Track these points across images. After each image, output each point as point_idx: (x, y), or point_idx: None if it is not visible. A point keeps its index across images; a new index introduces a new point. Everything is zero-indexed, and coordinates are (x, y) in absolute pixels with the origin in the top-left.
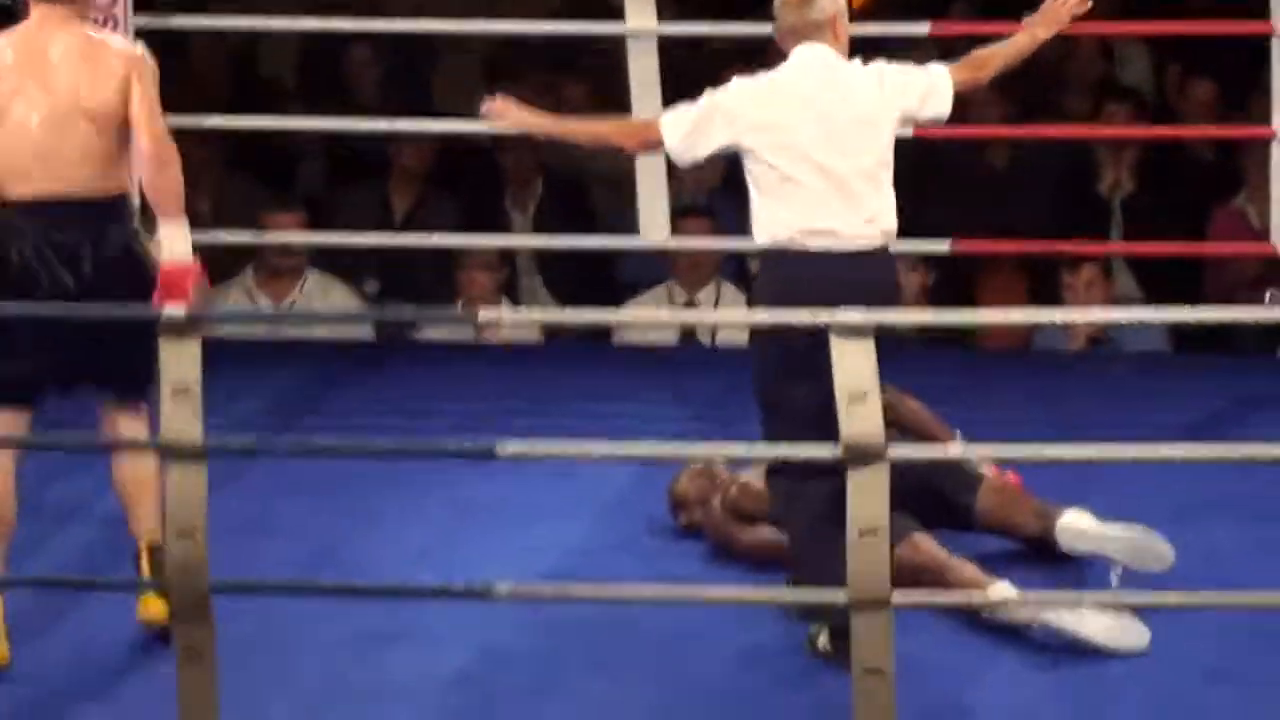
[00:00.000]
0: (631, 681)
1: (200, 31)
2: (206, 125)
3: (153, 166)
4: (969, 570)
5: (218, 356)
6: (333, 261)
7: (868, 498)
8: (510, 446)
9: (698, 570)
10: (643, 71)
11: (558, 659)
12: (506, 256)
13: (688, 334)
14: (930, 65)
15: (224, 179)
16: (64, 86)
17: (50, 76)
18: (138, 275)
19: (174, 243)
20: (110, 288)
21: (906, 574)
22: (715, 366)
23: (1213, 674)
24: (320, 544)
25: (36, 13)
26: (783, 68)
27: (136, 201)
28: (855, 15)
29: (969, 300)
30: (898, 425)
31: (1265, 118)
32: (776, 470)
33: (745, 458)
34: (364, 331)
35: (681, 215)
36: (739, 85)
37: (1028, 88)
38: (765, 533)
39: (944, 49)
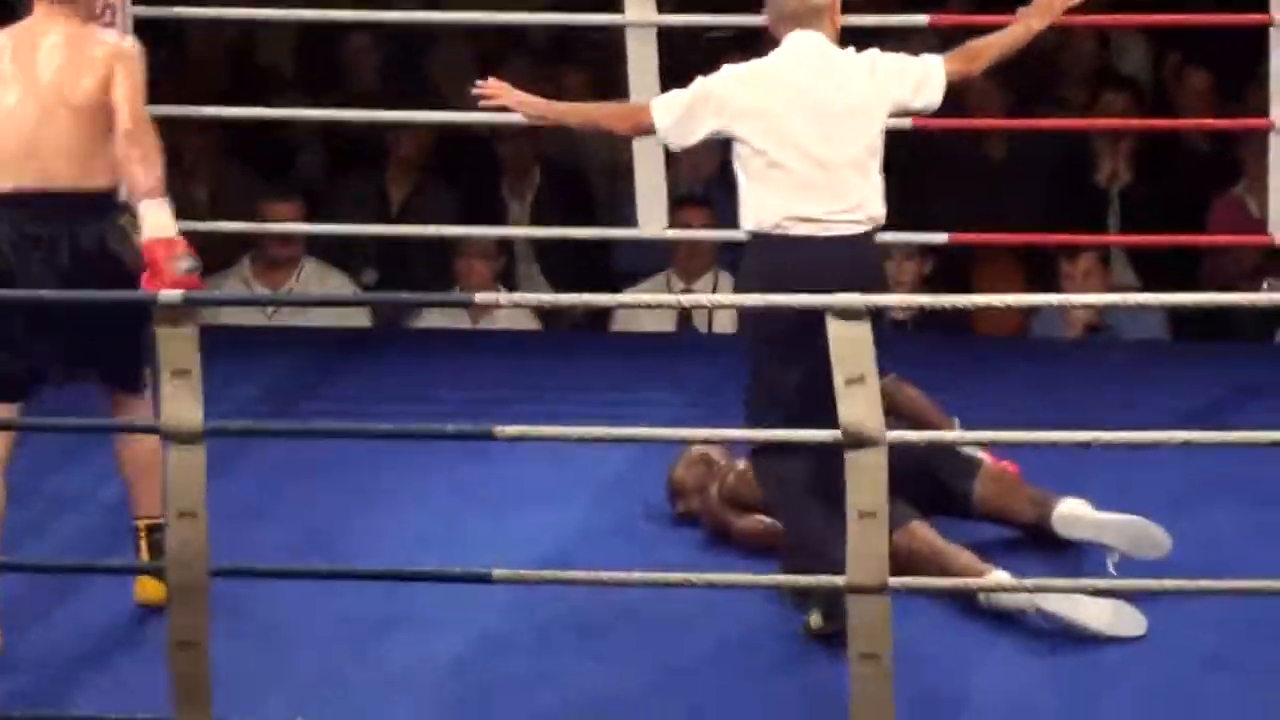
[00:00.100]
0: (628, 666)
1: (198, 21)
2: (204, 114)
3: (128, 142)
4: (966, 557)
5: (214, 344)
6: (330, 251)
7: (866, 481)
8: (508, 429)
9: (694, 556)
10: (641, 62)
11: (554, 644)
12: (504, 246)
13: (685, 322)
14: (924, 55)
15: (221, 168)
16: (48, 80)
17: (36, 70)
18: (116, 271)
19: (155, 217)
20: (86, 282)
21: (904, 561)
22: (712, 354)
23: (1210, 661)
24: (317, 529)
25: (38, 10)
26: (776, 54)
27: (123, 197)
28: (854, 6)
29: (966, 290)
30: (896, 412)
31: (1262, 108)
32: (758, 451)
33: (741, 440)
34: (361, 318)
35: (679, 205)
36: (731, 71)
37: (1025, 78)
38: (762, 520)
39: (941, 40)
